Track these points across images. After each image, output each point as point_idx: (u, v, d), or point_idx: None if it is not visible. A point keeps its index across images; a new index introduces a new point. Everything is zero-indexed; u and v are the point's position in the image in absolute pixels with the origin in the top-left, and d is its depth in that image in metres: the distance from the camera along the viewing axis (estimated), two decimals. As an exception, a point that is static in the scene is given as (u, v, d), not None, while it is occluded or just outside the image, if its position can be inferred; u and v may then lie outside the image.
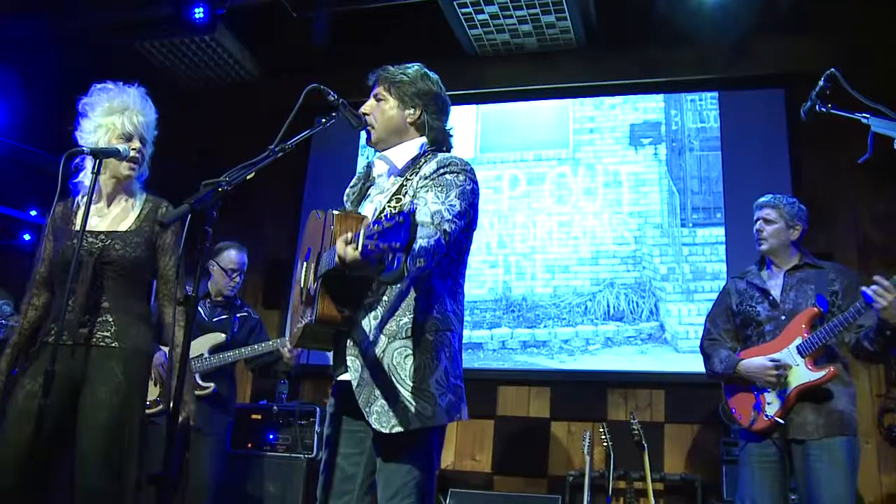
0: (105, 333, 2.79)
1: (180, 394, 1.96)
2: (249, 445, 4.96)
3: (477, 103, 6.13)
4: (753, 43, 5.55)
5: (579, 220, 5.66)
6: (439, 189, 2.33)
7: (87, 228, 2.78)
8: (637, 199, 5.60)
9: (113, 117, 2.96)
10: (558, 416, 5.36)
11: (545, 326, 5.48)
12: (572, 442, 5.24)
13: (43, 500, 2.65)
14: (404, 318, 2.30)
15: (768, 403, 3.39)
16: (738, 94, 5.66)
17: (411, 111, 2.54)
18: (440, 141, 2.58)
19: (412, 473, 2.27)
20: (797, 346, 3.36)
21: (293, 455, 4.86)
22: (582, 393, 5.34)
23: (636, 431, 4.63)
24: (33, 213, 6.32)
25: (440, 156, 2.45)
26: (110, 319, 2.80)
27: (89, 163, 2.91)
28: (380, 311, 2.31)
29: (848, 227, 5.20)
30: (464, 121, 6.04)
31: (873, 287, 3.09)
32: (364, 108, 2.56)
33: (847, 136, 5.08)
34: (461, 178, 2.38)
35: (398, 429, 2.22)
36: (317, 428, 4.91)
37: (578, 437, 5.01)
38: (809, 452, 3.27)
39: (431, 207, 2.28)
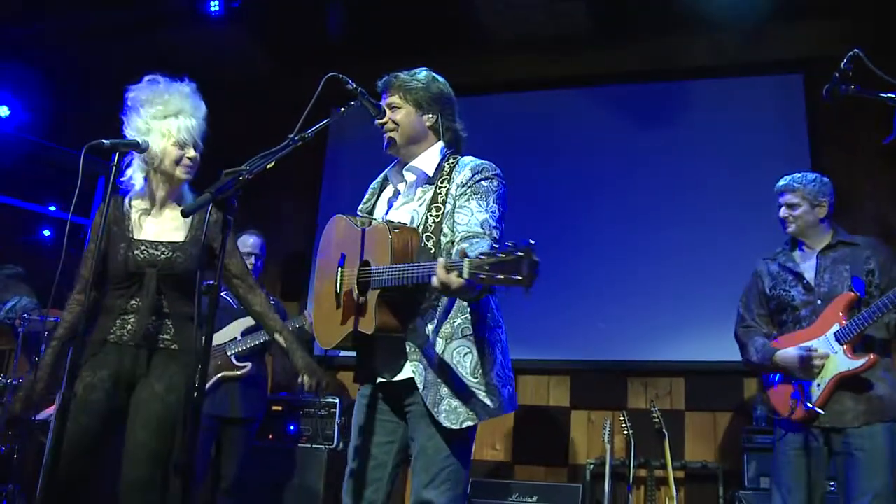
0: (166, 336, 2.90)
1: (203, 381, 1.96)
2: (270, 437, 4.99)
3: (490, 93, 6.10)
4: (770, 27, 5.50)
5: (597, 207, 5.63)
6: (479, 196, 2.43)
7: (144, 238, 2.92)
8: (656, 187, 5.57)
9: (167, 122, 2.95)
10: (578, 405, 5.36)
11: (564, 315, 5.45)
12: (592, 430, 5.23)
13: (95, 487, 2.73)
14: (458, 319, 2.41)
15: (807, 393, 3.27)
16: (755, 80, 5.61)
17: (429, 116, 2.61)
18: (456, 142, 2.66)
19: (450, 461, 2.38)
20: (835, 334, 3.24)
21: (314, 446, 4.89)
22: (602, 381, 5.33)
23: (656, 419, 4.62)
24: (52, 208, 6.36)
25: (470, 161, 2.53)
26: (169, 323, 2.90)
27: (137, 161, 2.97)
28: (434, 315, 2.40)
29: (870, 213, 5.15)
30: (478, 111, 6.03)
31: None
32: (381, 119, 2.60)
33: (868, 121, 5.08)
34: (495, 182, 2.48)
35: (468, 423, 2.35)
36: (337, 419, 4.93)
37: (599, 426, 5.00)
38: (850, 440, 3.16)
39: (479, 217, 2.39)
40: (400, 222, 2.48)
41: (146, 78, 3.06)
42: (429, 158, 2.59)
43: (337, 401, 4.98)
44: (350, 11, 5.80)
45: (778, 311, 3.50)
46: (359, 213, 2.72)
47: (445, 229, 2.42)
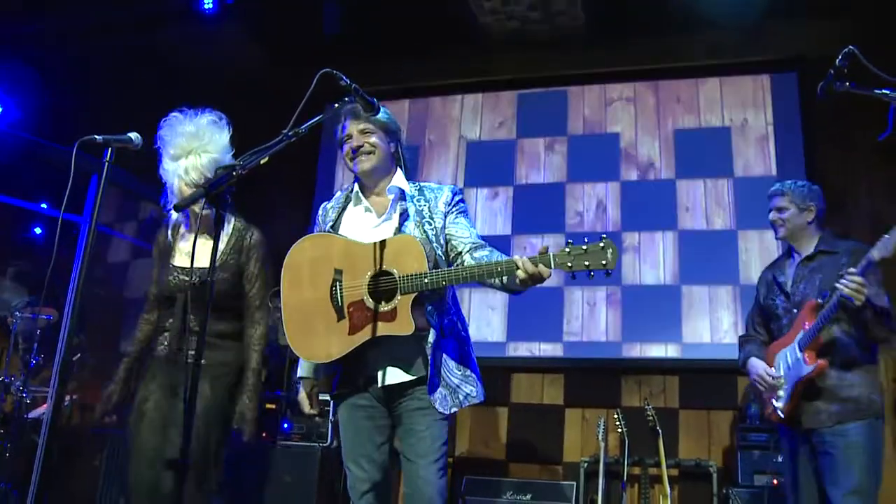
0: (194, 352, 3.02)
1: (195, 389, 1.95)
2: (264, 434, 4.97)
3: (488, 91, 6.10)
4: (766, 26, 5.49)
5: (593, 206, 5.64)
6: (464, 215, 2.86)
7: (179, 264, 3.19)
8: (652, 184, 5.57)
9: (179, 163, 3.11)
10: (572, 403, 5.36)
11: (558, 312, 5.45)
12: (587, 428, 5.23)
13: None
14: (445, 319, 2.75)
15: (778, 397, 3.42)
16: (750, 79, 5.61)
17: (393, 145, 2.90)
18: (409, 169, 2.98)
19: (444, 447, 2.71)
20: (798, 340, 3.35)
21: (308, 444, 4.87)
22: (596, 380, 5.33)
23: (651, 417, 4.62)
24: (44, 205, 6.34)
25: (442, 185, 2.93)
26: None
27: (170, 193, 3.17)
28: (435, 316, 2.71)
29: (865, 210, 5.15)
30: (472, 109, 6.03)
31: (844, 281, 3.07)
32: (357, 142, 2.82)
33: (863, 119, 5.06)
34: (465, 202, 2.92)
35: (455, 409, 2.70)
36: (331, 417, 4.90)
37: (593, 424, 5.00)
38: (825, 440, 3.26)
39: (472, 231, 2.81)
40: (422, 238, 2.74)
41: (169, 117, 3.20)
42: (400, 179, 2.88)
43: (330, 399, 4.95)
44: (348, 10, 5.78)
45: (768, 320, 3.63)
46: (327, 230, 2.89)
47: (441, 241, 2.77)
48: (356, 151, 2.82)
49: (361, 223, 2.85)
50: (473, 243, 2.76)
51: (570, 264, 2.41)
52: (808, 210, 3.53)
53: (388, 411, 2.75)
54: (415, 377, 2.68)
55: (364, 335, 2.62)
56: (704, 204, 5.40)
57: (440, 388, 2.68)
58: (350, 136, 2.85)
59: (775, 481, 4.24)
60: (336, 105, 2.50)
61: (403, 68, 6.08)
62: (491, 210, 5.73)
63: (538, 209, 5.70)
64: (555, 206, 5.68)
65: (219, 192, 1.98)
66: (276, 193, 6.17)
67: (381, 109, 2.81)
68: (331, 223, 2.92)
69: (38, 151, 5.85)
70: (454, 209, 2.84)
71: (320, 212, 3.02)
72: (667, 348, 5.18)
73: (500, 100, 6.09)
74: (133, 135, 2.91)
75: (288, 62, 6.19)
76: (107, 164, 2.77)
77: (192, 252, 2.35)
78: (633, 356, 5.26)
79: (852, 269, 3.07)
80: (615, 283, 5.37)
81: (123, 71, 6.17)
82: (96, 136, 2.81)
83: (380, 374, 2.71)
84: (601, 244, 2.40)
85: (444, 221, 2.80)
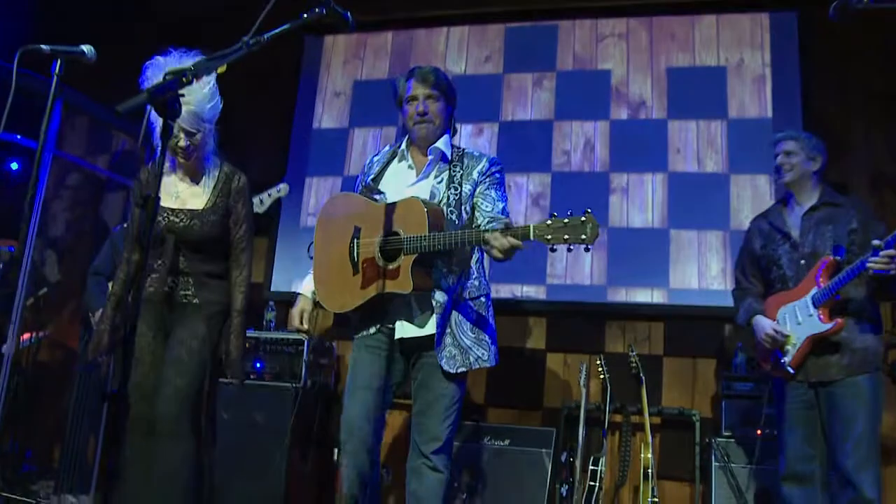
0: (187, 292, 3.24)
1: (134, 325, 1.78)
2: (252, 377, 4.83)
3: (472, 24, 5.85)
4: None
5: (579, 143, 5.45)
6: (497, 186, 3.02)
7: (168, 206, 3.23)
8: (640, 123, 5.38)
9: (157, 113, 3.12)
10: (554, 348, 5.23)
11: (541, 254, 5.28)
12: (568, 374, 5.12)
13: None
14: (466, 283, 2.96)
15: (786, 352, 3.46)
16: (748, 17, 5.39)
17: (450, 109, 3.12)
18: (456, 131, 3.21)
19: (457, 405, 2.96)
20: (812, 297, 3.40)
21: (281, 384, 4.74)
22: (579, 324, 5.19)
23: (634, 364, 4.52)
24: (18, 136, 6.09)
25: (483, 154, 3.13)
26: (190, 280, 3.24)
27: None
28: (451, 279, 2.91)
29: (861, 157, 5.00)
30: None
31: (876, 258, 3.14)
32: (422, 106, 3.03)
33: (863, 66, 4.90)
34: (503, 174, 3.09)
35: (462, 369, 2.89)
36: (305, 357, 4.79)
37: (575, 370, 4.90)
38: (834, 391, 3.35)
39: (499, 205, 2.98)
40: (433, 203, 2.90)
41: (149, 62, 3.17)
42: (445, 144, 3.06)
43: (305, 339, 4.81)
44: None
45: (767, 269, 3.67)
46: (368, 182, 3.09)
47: (467, 207, 2.94)
48: (420, 116, 3.02)
49: (401, 179, 3.06)
50: (492, 217, 2.92)
51: (549, 237, 2.48)
52: (814, 160, 3.61)
53: (406, 363, 2.99)
54: (426, 334, 2.88)
55: (372, 290, 2.83)
56: (696, 146, 5.23)
57: (449, 347, 2.87)
58: (415, 98, 3.04)
59: (759, 431, 4.14)
60: (305, 15, 2.29)
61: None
62: (475, 147, 5.51)
63: (524, 147, 5.51)
64: (541, 144, 5.49)
65: (165, 99, 1.78)
66: (253, 130, 5.94)
67: (444, 74, 3.10)
68: (373, 176, 3.11)
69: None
70: (487, 179, 3.01)
71: (367, 163, 3.23)
72: (653, 293, 5.06)
73: (487, 33, 5.84)
74: (85, 47, 2.70)
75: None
76: (56, 77, 2.58)
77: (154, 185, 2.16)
78: (617, 301, 5.11)
79: (877, 242, 3.13)
80: (601, 226, 5.18)
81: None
82: (42, 46, 2.60)
83: (395, 327, 2.94)
84: (582, 218, 2.45)
85: (475, 190, 2.98)
